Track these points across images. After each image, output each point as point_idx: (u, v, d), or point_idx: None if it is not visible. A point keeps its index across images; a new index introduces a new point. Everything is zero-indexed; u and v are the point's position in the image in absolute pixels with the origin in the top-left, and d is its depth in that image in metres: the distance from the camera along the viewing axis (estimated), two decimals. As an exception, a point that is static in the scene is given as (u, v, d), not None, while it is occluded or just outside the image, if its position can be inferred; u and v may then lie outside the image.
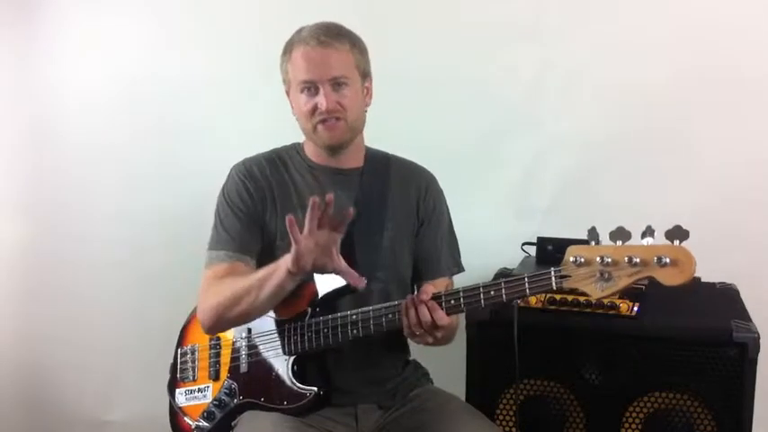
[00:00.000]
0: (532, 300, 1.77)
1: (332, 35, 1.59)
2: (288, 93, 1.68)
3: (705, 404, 1.68)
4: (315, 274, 1.52)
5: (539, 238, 2.06)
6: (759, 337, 1.63)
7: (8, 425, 2.71)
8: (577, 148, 2.28)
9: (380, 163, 1.74)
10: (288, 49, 1.63)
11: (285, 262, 1.43)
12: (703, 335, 1.67)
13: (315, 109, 1.59)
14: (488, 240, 2.24)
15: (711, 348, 1.67)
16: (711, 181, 2.18)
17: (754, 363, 1.63)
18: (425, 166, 1.80)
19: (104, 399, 2.69)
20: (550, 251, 2.01)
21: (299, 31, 1.63)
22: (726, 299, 1.93)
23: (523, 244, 2.19)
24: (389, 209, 1.70)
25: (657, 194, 2.21)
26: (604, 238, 1.83)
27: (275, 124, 2.31)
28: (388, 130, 1.69)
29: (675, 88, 2.17)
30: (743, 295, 1.96)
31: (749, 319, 1.73)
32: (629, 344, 1.72)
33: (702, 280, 1.95)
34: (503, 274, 2.12)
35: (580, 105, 2.27)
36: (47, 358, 2.70)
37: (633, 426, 1.74)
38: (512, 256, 2.16)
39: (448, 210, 1.80)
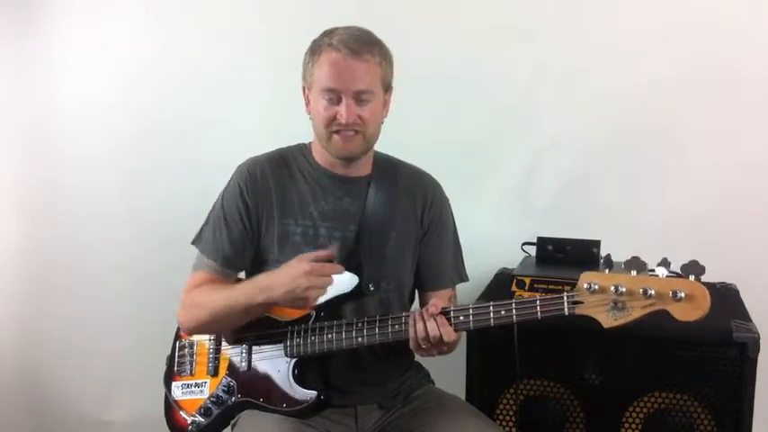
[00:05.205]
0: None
1: (364, 45, 1.54)
2: (304, 90, 1.64)
3: (705, 404, 1.69)
4: None
5: (539, 237, 2.06)
6: (759, 337, 1.64)
7: (8, 425, 2.70)
8: (576, 149, 2.29)
9: (388, 170, 1.72)
10: (316, 50, 1.57)
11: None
12: (703, 335, 1.66)
13: (334, 118, 1.56)
14: (488, 240, 2.24)
15: (711, 348, 1.67)
16: (710, 180, 2.18)
17: (754, 363, 1.63)
18: (426, 169, 1.78)
19: (104, 399, 2.68)
20: (550, 251, 2.02)
21: (330, 33, 1.57)
22: (726, 299, 1.92)
23: (523, 244, 2.19)
24: (395, 217, 1.68)
25: (657, 194, 2.21)
26: (604, 237, 1.83)
27: (275, 125, 2.31)
28: (386, 131, 1.68)
29: (673, 89, 2.17)
30: (743, 295, 1.96)
31: (749, 319, 1.74)
32: (629, 344, 1.72)
33: (702, 280, 1.95)
34: (503, 273, 2.12)
35: (578, 106, 2.27)
36: (47, 358, 2.70)
37: (633, 426, 1.74)
38: (512, 256, 2.16)
39: (453, 219, 1.79)
